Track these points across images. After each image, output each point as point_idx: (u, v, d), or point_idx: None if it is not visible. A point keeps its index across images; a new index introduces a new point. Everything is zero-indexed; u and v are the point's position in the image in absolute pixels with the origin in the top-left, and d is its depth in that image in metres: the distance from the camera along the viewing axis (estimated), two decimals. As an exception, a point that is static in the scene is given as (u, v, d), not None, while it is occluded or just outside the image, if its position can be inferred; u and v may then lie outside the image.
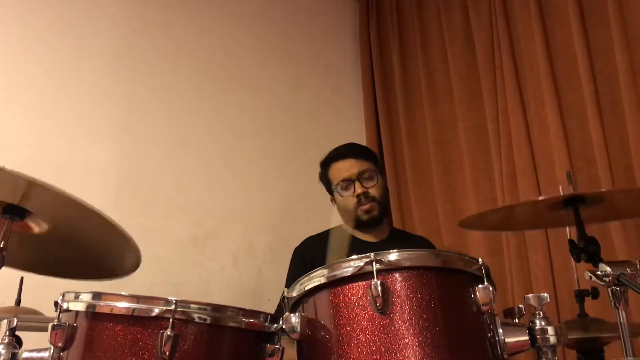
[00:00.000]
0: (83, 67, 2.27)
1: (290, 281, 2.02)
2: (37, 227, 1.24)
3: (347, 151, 2.08)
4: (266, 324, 1.14)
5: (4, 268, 1.16)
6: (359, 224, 2.05)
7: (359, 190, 2.00)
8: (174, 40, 2.55)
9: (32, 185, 1.09)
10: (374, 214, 2.01)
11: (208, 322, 1.07)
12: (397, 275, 1.08)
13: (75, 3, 2.32)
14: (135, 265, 1.30)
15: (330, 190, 2.11)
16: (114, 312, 1.05)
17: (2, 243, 1.15)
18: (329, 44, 3.16)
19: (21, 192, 1.13)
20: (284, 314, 1.14)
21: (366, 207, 2.00)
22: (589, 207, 1.36)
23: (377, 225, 2.05)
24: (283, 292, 1.95)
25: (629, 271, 1.18)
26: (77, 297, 1.09)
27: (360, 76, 3.17)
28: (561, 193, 1.33)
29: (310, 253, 2.05)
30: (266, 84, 2.81)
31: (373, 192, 2.01)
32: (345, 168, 2.04)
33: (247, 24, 2.82)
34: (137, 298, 1.06)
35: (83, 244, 1.31)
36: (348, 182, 2.02)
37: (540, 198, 1.39)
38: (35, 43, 2.19)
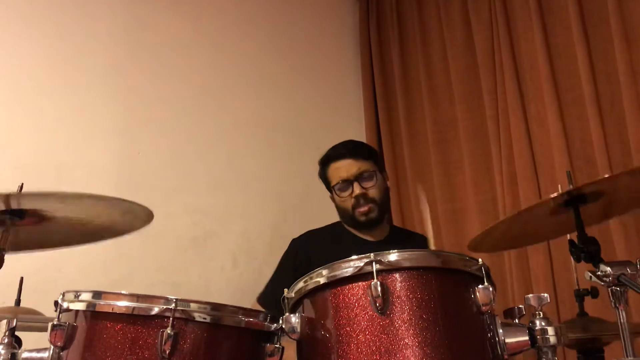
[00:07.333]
0: (83, 66, 2.27)
1: (280, 271, 2.01)
2: (40, 219, 1.22)
3: (346, 150, 2.02)
4: (266, 323, 1.14)
5: (4, 268, 1.15)
6: (357, 225, 2.01)
7: (357, 191, 1.94)
8: (174, 39, 2.55)
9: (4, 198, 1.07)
10: (372, 216, 1.96)
11: (208, 321, 1.07)
12: (397, 275, 1.08)
13: (75, 2, 2.32)
14: (149, 217, 1.26)
15: (329, 189, 2.07)
16: (114, 311, 1.06)
17: (2, 243, 1.14)
18: (329, 44, 3.16)
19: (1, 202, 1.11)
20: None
21: (364, 209, 1.95)
22: (590, 204, 1.35)
23: (376, 226, 2.01)
24: (271, 282, 1.94)
25: (629, 271, 1.18)
26: (77, 296, 1.09)
27: (360, 76, 3.17)
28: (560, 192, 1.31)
29: (307, 249, 2.00)
30: (266, 84, 2.80)
31: (372, 193, 1.96)
32: (343, 168, 1.98)
33: (247, 24, 2.82)
34: (137, 297, 1.06)
35: (90, 219, 1.28)
36: (346, 183, 1.97)
37: (541, 200, 1.37)
38: (35, 42, 2.18)
